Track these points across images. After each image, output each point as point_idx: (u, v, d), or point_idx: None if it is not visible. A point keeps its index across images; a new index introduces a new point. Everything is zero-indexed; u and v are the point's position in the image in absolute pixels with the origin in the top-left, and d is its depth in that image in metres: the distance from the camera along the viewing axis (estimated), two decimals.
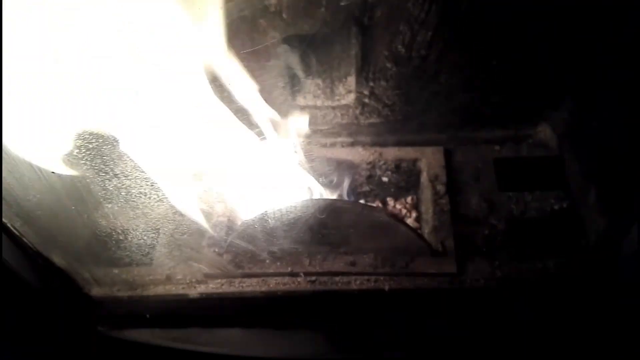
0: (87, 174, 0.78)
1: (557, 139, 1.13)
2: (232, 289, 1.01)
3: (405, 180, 1.22)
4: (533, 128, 1.17)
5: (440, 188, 1.11)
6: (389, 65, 1.07)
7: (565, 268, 0.98)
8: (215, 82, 0.91)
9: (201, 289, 1.02)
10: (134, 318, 1.04)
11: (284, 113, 1.03)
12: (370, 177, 1.21)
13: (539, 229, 1.06)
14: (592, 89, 0.99)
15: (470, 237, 1.05)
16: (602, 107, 0.97)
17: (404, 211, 1.24)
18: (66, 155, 0.77)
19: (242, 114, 0.99)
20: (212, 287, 1.02)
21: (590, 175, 1.02)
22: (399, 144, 1.18)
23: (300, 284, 1.01)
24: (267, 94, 0.99)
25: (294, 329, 1.04)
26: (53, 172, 0.75)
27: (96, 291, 1.03)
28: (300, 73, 1.02)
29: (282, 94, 1.06)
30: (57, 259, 0.94)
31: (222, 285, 1.02)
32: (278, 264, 1.03)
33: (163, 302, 1.02)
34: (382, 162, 1.18)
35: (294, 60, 1.00)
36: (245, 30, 0.97)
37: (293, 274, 1.02)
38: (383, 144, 1.18)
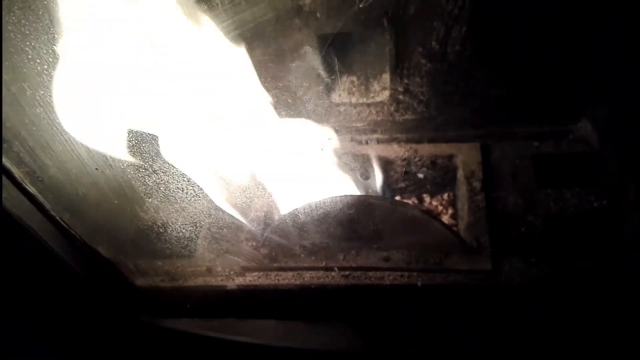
0: (128, 170, 0.82)
1: (598, 134, 1.10)
2: (267, 282, 1.04)
3: (442, 176, 1.21)
4: (573, 124, 1.14)
5: (476, 184, 1.10)
6: (423, 61, 1.06)
7: (603, 267, 0.95)
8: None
9: (239, 281, 1.05)
10: (175, 307, 1.08)
11: (319, 111, 1.05)
12: (406, 174, 1.21)
13: (577, 227, 1.03)
14: (633, 84, 0.96)
15: (507, 234, 1.03)
16: None
17: (440, 208, 1.23)
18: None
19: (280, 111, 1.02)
20: (249, 279, 1.05)
21: (631, 173, 0.99)
22: (434, 140, 1.18)
23: (334, 278, 1.02)
24: (301, 92, 1.01)
25: (327, 322, 1.06)
26: (97, 169, 0.79)
27: (140, 281, 1.08)
28: (324, 73, 1.03)
29: (316, 92, 1.08)
30: (104, 251, 0.99)
31: (259, 277, 1.05)
32: (312, 258, 1.05)
33: (202, 293, 1.06)
34: (417, 159, 1.18)
35: (319, 60, 1.01)
36: (279, 30, 1.00)
37: (327, 269, 1.03)
38: (418, 141, 1.18)
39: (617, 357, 0.97)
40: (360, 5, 0.89)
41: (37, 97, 0.72)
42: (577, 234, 1.03)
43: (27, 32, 0.65)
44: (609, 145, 1.08)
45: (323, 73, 1.07)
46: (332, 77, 1.09)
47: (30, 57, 0.68)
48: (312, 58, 1.03)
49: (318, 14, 1.00)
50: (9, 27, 0.66)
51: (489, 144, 1.16)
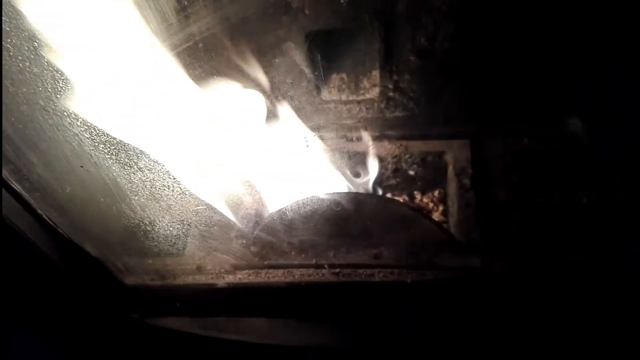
0: (113, 168, 0.82)
1: (587, 130, 1.10)
2: (258, 280, 1.03)
3: (432, 173, 1.21)
4: (563, 120, 1.14)
5: (466, 181, 1.10)
6: (412, 58, 1.07)
7: (593, 262, 0.96)
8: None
9: (229, 279, 1.04)
10: (165, 306, 1.08)
11: (308, 108, 1.05)
12: (396, 171, 1.21)
13: (567, 222, 1.03)
14: (622, 81, 0.96)
15: (496, 231, 1.03)
16: (633, 99, 0.94)
17: (431, 205, 1.23)
18: None
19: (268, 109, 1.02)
20: (239, 277, 1.04)
21: (619, 168, 0.99)
22: (424, 137, 1.18)
23: (325, 275, 1.02)
24: (290, 89, 1.01)
25: (317, 319, 1.06)
26: (82, 167, 0.79)
27: (130, 280, 1.08)
28: (313, 70, 1.03)
29: (305, 90, 1.07)
30: (92, 249, 0.99)
31: (249, 275, 1.04)
32: (303, 255, 1.05)
33: (193, 291, 1.06)
34: (408, 156, 1.18)
35: (307, 57, 1.01)
36: (268, 27, 0.99)
37: (317, 266, 1.03)
38: (409, 138, 1.18)
39: (610, 351, 0.97)
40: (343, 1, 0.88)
41: (20, 95, 0.71)
42: (567, 229, 1.03)
43: (7, 28, 0.65)
44: (598, 141, 1.08)
45: (311, 70, 1.07)
46: (321, 75, 1.09)
47: (11, 54, 0.67)
48: (300, 55, 1.03)
49: (306, 11, 1.00)
50: None
51: (479, 140, 1.16)
